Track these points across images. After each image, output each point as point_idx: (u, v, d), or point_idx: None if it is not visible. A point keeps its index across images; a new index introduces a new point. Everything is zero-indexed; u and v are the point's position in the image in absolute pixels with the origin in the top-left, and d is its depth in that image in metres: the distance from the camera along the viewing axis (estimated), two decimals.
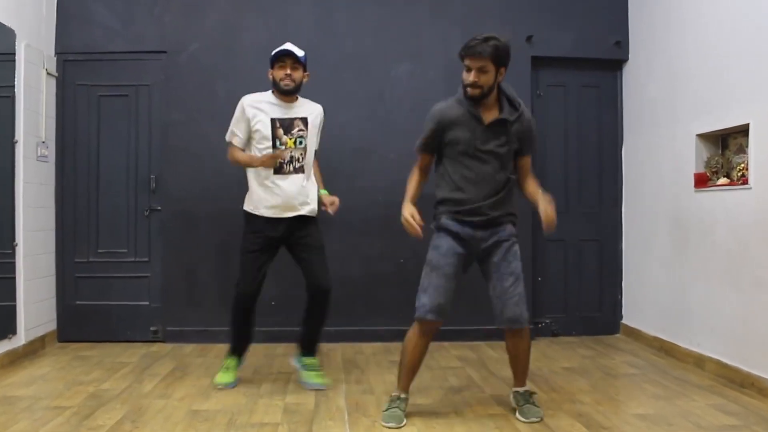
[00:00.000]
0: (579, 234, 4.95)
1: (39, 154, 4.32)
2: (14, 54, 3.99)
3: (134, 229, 4.66)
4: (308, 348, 3.60)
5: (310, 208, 3.45)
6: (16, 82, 4.01)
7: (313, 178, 3.51)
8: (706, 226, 3.85)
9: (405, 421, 2.86)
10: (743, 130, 3.62)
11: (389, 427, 2.82)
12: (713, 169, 3.92)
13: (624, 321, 4.93)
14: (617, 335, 4.93)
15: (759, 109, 3.40)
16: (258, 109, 3.37)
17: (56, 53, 4.59)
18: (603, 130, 5.01)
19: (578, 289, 4.95)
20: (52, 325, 4.53)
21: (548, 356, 4.26)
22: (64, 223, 4.61)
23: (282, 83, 3.32)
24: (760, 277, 3.36)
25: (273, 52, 3.37)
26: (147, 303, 4.66)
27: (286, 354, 4.28)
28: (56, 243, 4.58)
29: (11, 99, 3.98)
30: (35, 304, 4.25)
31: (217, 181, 4.64)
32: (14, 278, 3.99)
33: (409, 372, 2.99)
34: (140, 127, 4.67)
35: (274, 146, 3.34)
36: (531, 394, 3.03)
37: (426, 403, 3.21)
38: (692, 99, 4.04)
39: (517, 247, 2.95)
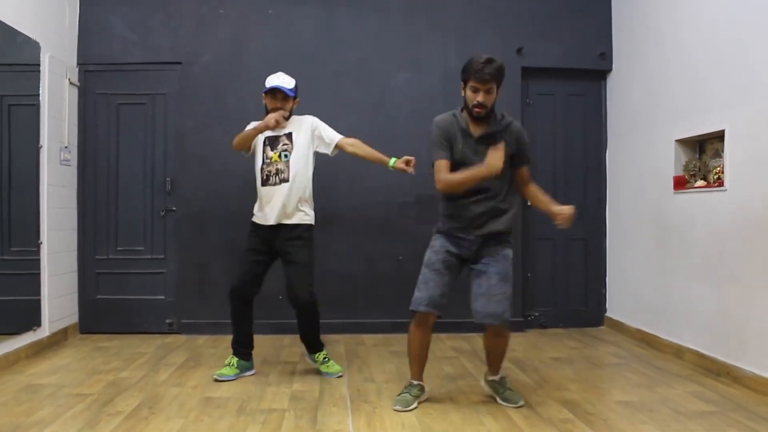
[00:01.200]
0: (566, 233, 4.86)
1: (62, 159, 4.33)
2: (39, 65, 4.00)
3: (151, 228, 4.66)
4: (311, 346, 3.62)
5: (294, 218, 3.40)
6: (40, 91, 4.01)
7: (303, 190, 3.42)
8: (685, 225, 3.85)
9: (415, 404, 2.93)
10: (719, 136, 3.62)
11: (396, 410, 2.88)
12: (691, 172, 3.92)
13: (608, 314, 4.93)
14: (602, 327, 4.93)
15: (734, 116, 3.40)
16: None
17: (78, 64, 4.59)
18: (588, 136, 5.01)
19: (565, 284, 4.95)
20: (74, 318, 4.54)
21: (537, 347, 4.26)
22: (85, 222, 4.61)
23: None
24: (735, 273, 3.36)
25: (266, 85, 3.39)
26: (162, 297, 4.66)
27: (293, 345, 4.29)
28: (78, 241, 4.59)
29: (36, 107, 3.99)
30: (58, 298, 4.25)
31: (228, 184, 4.64)
32: (39, 274, 3.99)
33: (414, 362, 3.03)
34: (156, 133, 4.67)
35: (262, 162, 3.42)
36: (505, 379, 3.07)
37: None
38: (671, 107, 4.04)
39: (509, 251, 2.91)
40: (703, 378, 3.43)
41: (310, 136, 3.46)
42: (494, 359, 3.04)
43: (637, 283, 4.48)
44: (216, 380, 3.35)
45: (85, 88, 4.60)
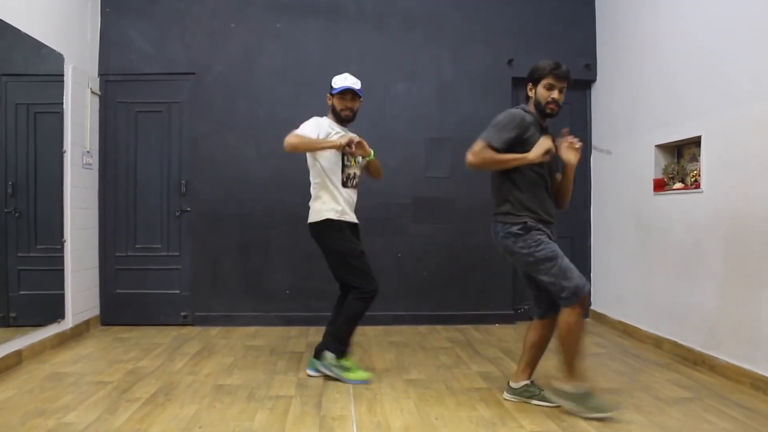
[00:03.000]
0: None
1: (84, 162, 4.32)
2: (63, 75, 3.99)
3: (167, 227, 4.66)
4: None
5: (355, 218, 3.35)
6: (64, 100, 4.01)
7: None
8: (664, 225, 3.85)
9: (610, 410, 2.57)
10: (696, 141, 3.61)
11: (608, 416, 2.54)
12: (670, 175, 3.92)
13: (592, 307, 4.92)
14: (586, 319, 4.87)
15: (710, 123, 3.40)
16: (331, 131, 3.21)
17: (99, 74, 4.58)
18: None
19: None
20: (96, 311, 4.53)
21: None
22: (106, 222, 4.60)
23: (342, 113, 3.23)
24: (710, 270, 3.36)
25: (338, 85, 3.21)
26: (178, 291, 4.65)
27: (300, 336, 4.29)
28: (99, 239, 4.58)
29: (60, 114, 3.98)
30: (81, 292, 4.25)
31: (239, 186, 4.64)
32: (63, 270, 3.99)
33: (580, 355, 2.62)
34: (172, 138, 4.66)
35: (343, 164, 3.21)
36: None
37: (421, 378, 3.21)
38: (651, 114, 4.04)
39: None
40: (681, 367, 3.43)
41: None
42: (542, 353, 2.80)
43: (619, 279, 4.48)
44: (366, 383, 3.11)
45: (106, 97, 4.60)
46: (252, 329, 4.50)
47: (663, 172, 3.98)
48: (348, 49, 4.74)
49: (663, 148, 3.99)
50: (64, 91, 4.01)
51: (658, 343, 3.87)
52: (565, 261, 2.60)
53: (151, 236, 4.66)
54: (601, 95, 4.84)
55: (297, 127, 3.19)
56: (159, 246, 4.65)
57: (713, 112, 3.37)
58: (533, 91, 2.72)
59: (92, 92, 4.43)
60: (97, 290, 4.54)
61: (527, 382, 2.80)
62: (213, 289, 4.65)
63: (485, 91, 4.79)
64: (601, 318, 4.73)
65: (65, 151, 4.02)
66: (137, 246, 4.64)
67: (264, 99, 4.70)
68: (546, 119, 2.74)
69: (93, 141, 4.47)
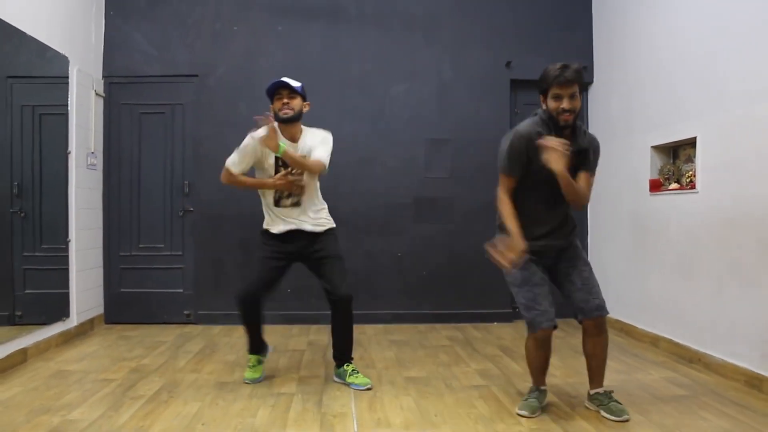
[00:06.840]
0: None
1: (89, 163, 4.33)
2: (68, 77, 4.00)
3: (170, 227, 4.67)
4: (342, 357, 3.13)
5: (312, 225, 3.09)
6: (69, 102, 4.02)
7: (317, 200, 3.15)
8: (660, 224, 3.85)
9: (539, 411, 2.59)
10: (691, 142, 3.62)
11: (521, 415, 2.58)
12: (666, 176, 3.92)
13: None
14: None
15: (705, 124, 3.40)
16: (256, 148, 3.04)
17: (103, 77, 4.59)
18: None
19: None
20: (100, 310, 4.54)
21: (524, 336, 4.24)
22: (110, 222, 4.61)
23: (281, 113, 2.98)
24: (706, 268, 3.36)
25: (268, 87, 3.05)
26: (181, 290, 4.66)
27: (300, 334, 4.30)
28: (103, 239, 4.59)
29: (65, 116, 3.99)
30: (85, 291, 4.26)
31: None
32: (68, 269, 4.00)
33: (535, 372, 2.70)
34: (175, 140, 4.67)
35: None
36: (611, 392, 2.64)
37: (420, 376, 3.22)
38: (647, 116, 4.04)
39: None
40: (677, 365, 3.43)
41: (313, 147, 3.04)
42: (594, 365, 2.67)
43: (616, 278, 4.48)
44: (246, 383, 3.06)
45: (110, 99, 4.61)
46: None
47: (659, 172, 3.99)
48: (348, 51, 4.75)
49: (659, 149, 3.99)
50: (69, 92, 4.02)
51: (654, 341, 3.88)
52: (533, 292, 2.57)
53: (154, 236, 4.67)
54: (598, 97, 4.84)
55: None
56: (162, 245, 4.66)
57: (708, 113, 3.37)
58: (545, 103, 2.52)
59: (96, 94, 4.44)
60: (101, 289, 4.55)
61: (596, 391, 2.66)
62: (215, 288, 4.66)
63: (484, 93, 4.80)
64: None
65: (70, 152, 4.03)
66: (141, 246, 4.65)
67: (265, 100, 4.61)
68: (566, 129, 2.49)
69: (97, 142, 4.48)
